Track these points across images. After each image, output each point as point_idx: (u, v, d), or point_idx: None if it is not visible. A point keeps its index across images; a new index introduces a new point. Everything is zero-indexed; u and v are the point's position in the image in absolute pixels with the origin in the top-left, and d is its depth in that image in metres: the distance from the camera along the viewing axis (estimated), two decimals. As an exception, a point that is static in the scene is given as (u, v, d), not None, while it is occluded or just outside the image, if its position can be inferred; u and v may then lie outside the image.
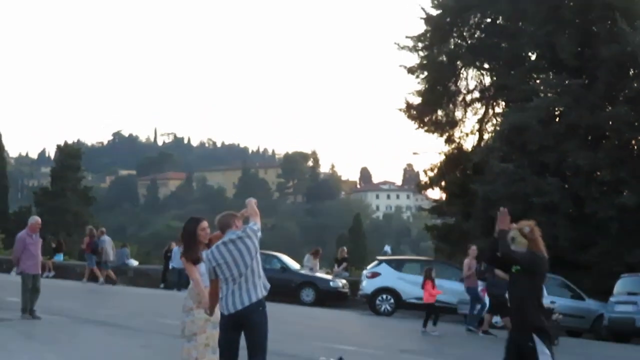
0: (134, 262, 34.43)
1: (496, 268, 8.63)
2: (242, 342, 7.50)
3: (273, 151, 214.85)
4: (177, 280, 28.08)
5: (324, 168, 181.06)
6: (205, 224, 8.57)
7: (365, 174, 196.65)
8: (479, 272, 20.11)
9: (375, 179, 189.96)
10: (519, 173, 25.39)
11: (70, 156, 75.67)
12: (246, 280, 7.41)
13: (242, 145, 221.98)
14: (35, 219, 17.01)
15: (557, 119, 26.78)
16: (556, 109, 27.17)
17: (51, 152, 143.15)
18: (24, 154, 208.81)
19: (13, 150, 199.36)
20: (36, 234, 16.63)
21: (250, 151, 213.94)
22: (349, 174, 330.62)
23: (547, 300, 21.37)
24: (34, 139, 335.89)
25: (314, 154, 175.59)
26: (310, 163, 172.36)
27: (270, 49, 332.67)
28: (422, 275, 24.63)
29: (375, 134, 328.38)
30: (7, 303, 18.60)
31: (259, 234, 7.61)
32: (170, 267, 29.54)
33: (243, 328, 7.43)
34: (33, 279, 16.20)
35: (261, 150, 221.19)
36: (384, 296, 24.24)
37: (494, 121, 32.45)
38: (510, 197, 25.42)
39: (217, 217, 7.89)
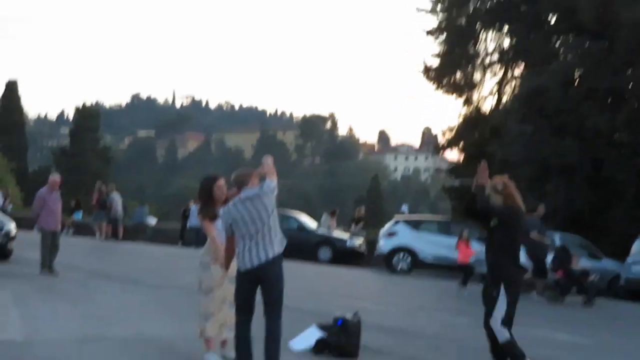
0: (153, 220, 34.62)
1: (475, 221, 8.82)
2: (259, 297, 7.58)
3: (291, 113, 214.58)
4: (195, 238, 28.26)
5: (342, 130, 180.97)
6: (222, 181, 8.60)
7: (383, 136, 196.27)
8: (552, 267, 20.13)
9: (393, 141, 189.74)
10: (537, 135, 25.27)
11: (89, 117, 75.95)
12: (263, 237, 7.43)
13: (260, 108, 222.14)
14: (55, 177, 17.13)
15: (576, 82, 26.58)
16: (576, 71, 26.95)
17: (70, 114, 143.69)
18: (43, 115, 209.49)
19: (32, 111, 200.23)
20: (56, 192, 16.74)
21: (268, 114, 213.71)
22: (367, 136, 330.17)
23: (583, 263, 21.52)
24: (53, 100, 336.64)
25: (332, 116, 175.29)
26: (328, 125, 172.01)
27: (289, 10, 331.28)
28: (439, 234, 24.82)
29: (393, 96, 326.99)
30: (26, 259, 18.79)
31: (276, 191, 7.61)
32: (187, 225, 29.77)
33: (260, 283, 7.46)
34: (52, 236, 16.36)
35: (279, 112, 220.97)
36: (401, 255, 24.33)
37: (513, 84, 32.29)
38: (528, 160, 25.36)
39: (233, 174, 7.90)
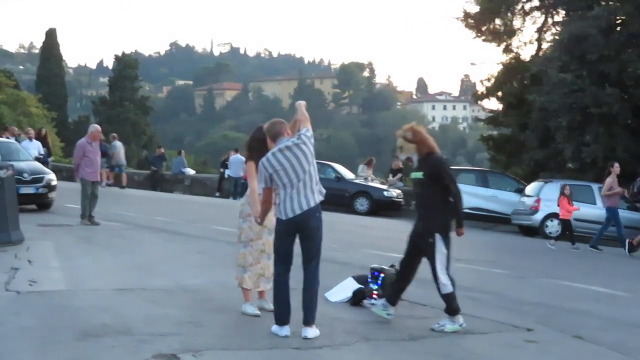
0: (191, 171, 34.83)
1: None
2: (297, 249, 7.63)
3: (329, 61, 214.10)
4: (233, 189, 28.44)
5: (380, 78, 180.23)
6: None
7: (421, 85, 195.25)
8: (633, 193, 20.03)
9: (432, 90, 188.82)
10: (577, 83, 24.89)
11: (128, 66, 76.22)
12: (304, 186, 7.45)
13: (298, 56, 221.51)
14: (95, 127, 17.23)
15: (618, 28, 26.05)
16: (617, 17, 26.41)
17: (109, 63, 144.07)
18: (82, 64, 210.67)
19: (72, 61, 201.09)
20: (96, 142, 16.88)
21: (306, 61, 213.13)
22: (405, 84, 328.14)
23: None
24: (92, 49, 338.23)
25: (370, 64, 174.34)
26: (366, 73, 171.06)
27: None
28: (476, 185, 24.72)
29: (432, 44, 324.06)
30: (66, 209, 19.07)
31: (312, 139, 7.63)
32: (226, 175, 29.91)
33: (299, 233, 7.51)
34: (92, 186, 16.51)
35: (317, 60, 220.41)
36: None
37: (553, 30, 31.76)
38: (568, 108, 25.05)
39: (265, 125, 7.88)
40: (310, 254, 7.53)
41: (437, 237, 8.08)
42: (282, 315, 7.52)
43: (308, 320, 7.49)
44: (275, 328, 7.52)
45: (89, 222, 16.25)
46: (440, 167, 8.17)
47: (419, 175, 8.22)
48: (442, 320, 8.34)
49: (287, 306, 7.53)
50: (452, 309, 8.25)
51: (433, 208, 8.18)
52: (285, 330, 7.47)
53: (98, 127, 17.44)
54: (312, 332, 7.46)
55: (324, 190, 7.66)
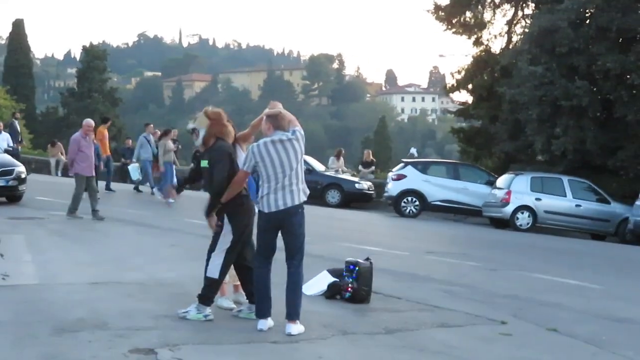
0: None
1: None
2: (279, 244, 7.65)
3: (298, 53, 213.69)
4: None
5: (350, 70, 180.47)
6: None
7: (390, 76, 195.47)
8: None
9: (401, 82, 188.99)
10: (547, 76, 25.03)
11: (96, 57, 75.46)
12: (290, 183, 7.44)
13: (267, 47, 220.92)
14: (87, 121, 17.00)
15: (587, 21, 26.21)
16: (587, 10, 26.58)
17: (77, 53, 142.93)
18: (49, 54, 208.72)
19: (39, 51, 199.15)
20: (89, 136, 16.66)
21: (275, 53, 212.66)
22: (375, 76, 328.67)
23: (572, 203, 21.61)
24: (59, 40, 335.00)
25: (339, 56, 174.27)
26: (335, 65, 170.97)
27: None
28: (447, 177, 24.80)
29: (401, 36, 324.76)
30: (36, 202, 18.91)
31: (304, 140, 7.61)
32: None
33: (281, 229, 7.53)
34: (88, 180, 16.33)
35: (286, 52, 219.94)
36: (409, 198, 24.35)
37: (523, 23, 31.89)
38: (538, 100, 25.21)
39: (268, 111, 7.73)
40: (292, 250, 7.54)
41: (226, 219, 7.79)
42: (262, 309, 7.53)
43: (292, 316, 7.49)
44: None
45: (77, 216, 16.10)
46: (217, 156, 7.75)
47: (205, 163, 7.88)
48: (190, 306, 7.89)
49: (267, 299, 7.53)
50: (206, 297, 7.83)
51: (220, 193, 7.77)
52: (266, 324, 7.49)
53: (90, 120, 17.18)
54: (295, 328, 7.46)
55: (308, 191, 7.65)
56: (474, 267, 13.52)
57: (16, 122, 29.05)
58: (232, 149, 7.87)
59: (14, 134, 28.06)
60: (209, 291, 7.82)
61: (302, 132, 7.61)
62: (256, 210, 7.80)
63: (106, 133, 23.26)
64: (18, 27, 75.41)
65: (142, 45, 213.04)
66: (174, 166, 22.60)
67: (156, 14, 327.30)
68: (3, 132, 25.74)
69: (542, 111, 25.20)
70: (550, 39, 25.38)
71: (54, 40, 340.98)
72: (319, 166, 28.27)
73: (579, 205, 22.60)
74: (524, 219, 22.47)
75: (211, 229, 7.85)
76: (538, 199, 22.55)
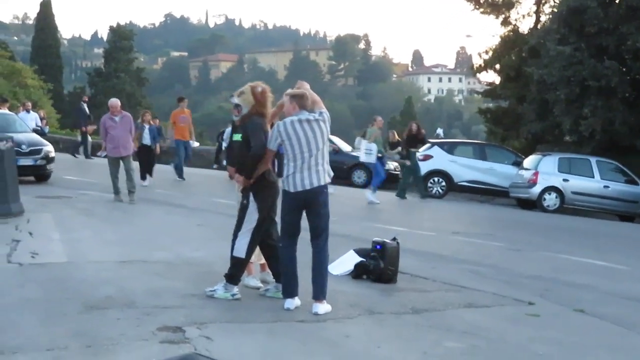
0: (195, 143, 34.60)
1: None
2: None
3: (325, 33, 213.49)
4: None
5: (376, 50, 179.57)
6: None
7: (417, 57, 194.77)
8: None
9: (428, 62, 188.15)
10: (576, 56, 24.85)
11: (123, 37, 75.86)
12: (316, 163, 7.44)
13: (293, 27, 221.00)
14: (113, 101, 16.52)
15: (617, 1, 25.99)
16: (616, -10, 26.34)
17: (104, 34, 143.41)
18: (77, 35, 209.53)
19: (66, 32, 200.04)
20: (116, 116, 16.17)
21: (301, 33, 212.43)
22: (401, 56, 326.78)
23: (600, 184, 21.50)
24: (86, 20, 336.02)
25: (365, 36, 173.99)
26: (362, 45, 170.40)
27: None
28: (474, 158, 24.67)
29: (428, 16, 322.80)
30: (64, 181, 19.06)
31: (329, 122, 7.61)
32: (223, 148, 29.79)
33: (307, 208, 7.54)
34: (120, 162, 16.03)
35: (313, 32, 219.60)
36: (436, 179, 24.29)
37: (552, 3, 31.72)
38: (566, 81, 25.03)
39: (297, 91, 7.70)
40: (317, 229, 7.55)
41: (251, 198, 7.76)
42: (289, 288, 7.56)
43: (318, 296, 7.52)
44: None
45: (121, 199, 15.92)
46: (254, 126, 7.69)
47: (238, 137, 7.91)
48: (217, 284, 7.93)
49: (294, 279, 7.56)
50: (233, 276, 7.85)
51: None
52: (294, 303, 7.52)
53: (114, 100, 16.62)
54: (322, 307, 7.48)
55: (332, 173, 7.65)
56: (501, 247, 13.47)
57: (84, 105, 29.11)
58: (267, 126, 7.84)
59: (82, 116, 28.32)
60: (236, 270, 7.85)
61: (328, 115, 7.60)
62: (280, 190, 7.82)
63: (182, 115, 22.12)
64: (46, 7, 75.75)
65: (168, 26, 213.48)
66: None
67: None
68: (31, 111, 25.90)
69: (570, 91, 25.02)
70: (579, 18, 25.18)
71: (81, 21, 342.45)
72: (345, 146, 28.24)
73: (607, 187, 22.45)
74: (551, 200, 22.36)
75: (239, 183, 7.83)
76: (565, 180, 22.41)
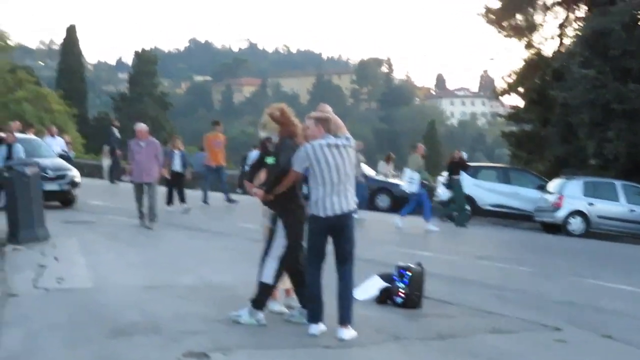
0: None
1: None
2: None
3: (347, 57, 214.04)
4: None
5: (399, 74, 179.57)
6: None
7: (440, 80, 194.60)
8: None
9: (450, 85, 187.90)
10: (600, 79, 24.77)
11: (147, 62, 76.57)
12: (345, 188, 7.44)
13: (316, 51, 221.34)
14: (140, 126, 16.50)
15: (640, 23, 25.91)
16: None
17: (128, 59, 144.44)
18: (102, 60, 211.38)
19: (91, 57, 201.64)
20: (144, 141, 16.15)
21: (324, 57, 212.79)
22: (424, 80, 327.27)
23: (625, 208, 21.36)
24: (111, 45, 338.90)
25: (388, 60, 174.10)
26: (384, 69, 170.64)
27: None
28: (498, 182, 24.57)
29: (451, 40, 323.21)
30: (89, 206, 19.14)
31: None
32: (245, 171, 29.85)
33: (333, 233, 7.50)
34: (143, 187, 16.01)
35: (335, 56, 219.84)
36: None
37: (575, 26, 31.62)
38: (590, 104, 24.94)
39: (321, 114, 7.70)
40: (344, 254, 7.52)
41: (280, 224, 7.73)
42: (314, 313, 7.53)
43: (344, 321, 7.47)
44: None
45: (144, 224, 15.93)
46: (284, 150, 7.71)
47: (271, 160, 7.84)
48: (242, 309, 7.88)
49: (319, 304, 7.53)
50: (260, 301, 7.81)
51: (283, 195, 7.68)
52: (319, 328, 7.48)
53: (140, 125, 16.58)
54: (348, 333, 7.44)
55: (357, 200, 7.64)
56: (526, 272, 13.38)
57: (116, 130, 29.28)
58: (297, 147, 7.81)
59: (114, 140, 28.48)
60: (263, 295, 7.82)
61: (353, 140, 7.60)
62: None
63: (216, 139, 22.05)
64: (71, 33, 76.54)
65: (192, 50, 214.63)
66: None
67: (207, 19, 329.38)
68: (57, 136, 26.10)
69: (595, 114, 24.93)
70: (603, 41, 25.11)
71: (106, 46, 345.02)
72: (368, 170, 28.22)
73: (633, 210, 22.29)
74: (576, 224, 22.22)
75: (257, 196, 7.84)
76: (591, 204, 22.27)
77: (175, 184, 20.04)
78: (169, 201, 19.89)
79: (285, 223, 7.66)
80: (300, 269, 7.86)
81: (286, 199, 7.66)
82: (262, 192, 7.71)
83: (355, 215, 7.69)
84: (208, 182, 21.78)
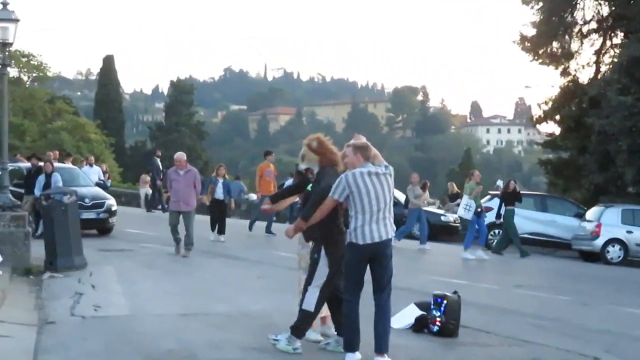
0: (253, 196, 34.72)
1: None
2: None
3: (382, 85, 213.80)
4: (289, 214, 28.42)
5: (434, 102, 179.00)
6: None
7: (475, 108, 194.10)
8: None
9: (486, 113, 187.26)
10: (637, 106, 24.57)
11: (183, 91, 77.17)
12: (384, 216, 7.42)
13: (351, 80, 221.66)
14: (178, 155, 16.44)
15: (678, 50, 25.70)
16: (678, 39, 26.07)
17: (165, 88, 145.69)
18: (138, 89, 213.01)
19: (128, 86, 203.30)
20: (181, 169, 15.97)
21: (359, 85, 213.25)
22: (459, 107, 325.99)
23: None
24: (148, 75, 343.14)
25: (423, 87, 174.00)
26: (419, 97, 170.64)
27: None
28: (535, 210, 24.36)
29: (486, 67, 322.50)
30: (126, 234, 19.26)
31: None
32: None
33: (372, 261, 7.47)
34: (179, 216, 15.81)
35: (370, 84, 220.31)
36: (497, 231, 24.04)
37: (612, 53, 31.44)
38: (628, 131, 24.73)
39: (360, 142, 7.68)
40: (382, 282, 7.50)
41: (322, 253, 7.71)
42: (351, 341, 7.48)
43: (381, 349, 7.42)
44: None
45: (179, 252, 15.81)
46: (323, 176, 7.78)
47: (310, 187, 7.88)
48: (281, 334, 7.87)
49: (357, 332, 7.48)
50: (299, 329, 7.78)
51: (323, 222, 7.66)
52: (355, 357, 7.43)
53: (179, 154, 16.52)
54: (384, 361, 7.41)
55: (394, 228, 7.62)
56: (564, 301, 13.24)
57: (158, 160, 29.58)
58: (337, 175, 7.82)
59: (156, 170, 28.76)
60: (303, 323, 7.80)
61: (392, 169, 7.60)
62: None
63: (267, 169, 21.94)
64: (108, 62, 77.35)
65: (227, 80, 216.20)
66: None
67: (242, 49, 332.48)
68: (94, 165, 26.35)
69: (633, 142, 24.71)
70: (640, 68, 24.94)
71: (142, 76, 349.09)
72: (403, 198, 28.12)
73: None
74: (614, 252, 21.97)
75: (290, 234, 7.87)
76: (629, 232, 22.03)
77: (219, 212, 19.78)
78: (213, 229, 19.66)
79: (327, 252, 7.66)
80: (339, 295, 7.83)
81: (328, 227, 7.66)
82: (298, 220, 7.69)
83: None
84: (259, 213, 21.51)
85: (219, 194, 19.68)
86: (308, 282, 7.78)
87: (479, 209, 20.16)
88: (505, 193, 22.04)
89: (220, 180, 19.89)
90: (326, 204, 7.53)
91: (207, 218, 19.99)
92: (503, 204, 21.99)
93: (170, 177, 16.30)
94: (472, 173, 20.90)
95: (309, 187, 7.95)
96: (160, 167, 28.99)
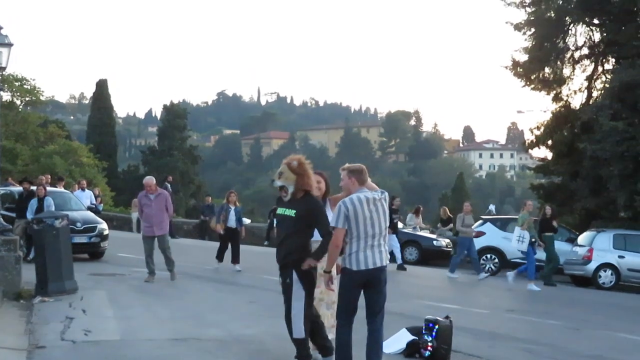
0: (247, 220, 34.79)
1: None
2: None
3: (375, 110, 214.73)
4: (267, 234, 28.31)
5: (427, 127, 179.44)
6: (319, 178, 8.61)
7: (468, 133, 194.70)
8: None
9: (479, 138, 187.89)
10: (629, 131, 24.68)
11: (176, 116, 77.15)
12: (379, 243, 7.42)
13: (344, 104, 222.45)
14: (147, 179, 16.17)
15: (670, 75, 25.82)
16: (669, 65, 26.20)
17: (158, 112, 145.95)
18: (131, 113, 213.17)
19: (121, 110, 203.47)
20: (151, 194, 15.69)
21: (352, 110, 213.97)
22: (452, 132, 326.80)
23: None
24: (141, 99, 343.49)
25: (416, 112, 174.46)
26: (412, 122, 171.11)
27: (372, 6, 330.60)
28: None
29: (478, 92, 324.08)
30: (117, 258, 19.22)
31: None
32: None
33: (366, 287, 7.46)
34: (154, 241, 15.59)
35: (363, 109, 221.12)
36: (489, 255, 24.05)
37: (604, 78, 31.56)
38: (620, 156, 24.81)
39: (356, 166, 7.66)
40: (376, 307, 7.50)
41: (295, 277, 7.58)
42: (344, 366, 7.44)
43: (373, 374, 7.39)
44: None
45: (152, 280, 15.37)
46: (320, 208, 7.73)
47: (290, 213, 7.65)
48: None
49: (349, 357, 7.47)
50: (303, 356, 7.72)
51: (297, 247, 7.60)
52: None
53: (149, 178, 16.32)
54: (376, 386, 7.36)
55: (388, 255, 7.62)
56: (556, 325, 13.22)
57: (169, 185, 29.65)
58: (322, 204, 7.84)
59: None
60: (303, 350, 7.74)
61: (387, 194, 7.61)
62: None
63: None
64: (101, 87, 77.24)
65: (221, 104, 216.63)
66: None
67: (235, 73, 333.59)
68: (86, 189, 26.32)
69: (625, 167, 24.78)
70: (632, 93, 25.08)
71: (135, 100, 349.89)
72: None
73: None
74: (606, 277, 21.98)
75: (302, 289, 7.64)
76: (621, 257, 22.06)
77: (231, 240, 19.16)
78: (220, 257, 19.18)
79: (299, 274, 7.59)
80: (313, 319, 7.79)
81: (298, 250, 7.60)
82: (310, 260, 7.59)
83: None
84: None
85: (232, 221, 19.05)
86: (289, 310, 7.63)
87: (533, 239, 20.11)
88: (543, 220, 21.71)
89: (233, 208, 19.28)
90: (336, 236, 7.40)
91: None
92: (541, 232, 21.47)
93: (140, 202, 15.92)
94: (525, 203, 20.91)
95: (288, 213, 7.72)
96: (171, 191, 28.93)
